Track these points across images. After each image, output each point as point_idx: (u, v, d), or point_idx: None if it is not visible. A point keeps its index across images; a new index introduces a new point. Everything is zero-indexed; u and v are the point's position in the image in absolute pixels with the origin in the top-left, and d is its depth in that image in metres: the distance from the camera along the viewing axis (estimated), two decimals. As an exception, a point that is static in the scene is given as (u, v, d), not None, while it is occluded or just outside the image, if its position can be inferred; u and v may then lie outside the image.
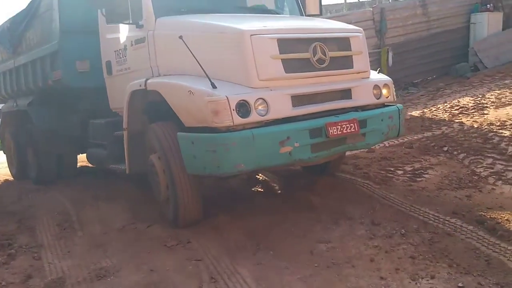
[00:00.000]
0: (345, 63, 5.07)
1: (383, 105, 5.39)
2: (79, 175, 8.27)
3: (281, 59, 4.55)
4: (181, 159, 4.58)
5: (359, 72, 5.20)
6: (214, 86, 4.25)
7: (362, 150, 7.33)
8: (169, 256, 4.47)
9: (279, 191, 6.29)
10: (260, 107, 4.34)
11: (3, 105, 9.38)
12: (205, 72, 4.30)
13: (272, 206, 5.49)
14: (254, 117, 4.29)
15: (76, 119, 7.11)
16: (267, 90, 4.46)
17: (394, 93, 5.50)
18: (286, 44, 4.59)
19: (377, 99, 5.25)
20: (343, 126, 4.68)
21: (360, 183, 6.13)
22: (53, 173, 7.97)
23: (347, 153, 6.79)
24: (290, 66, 4.60)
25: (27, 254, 4.92)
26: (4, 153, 9.64)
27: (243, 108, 4.25)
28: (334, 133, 4.61)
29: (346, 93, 5.04)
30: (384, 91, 5.32)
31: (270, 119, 4.40)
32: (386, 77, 5.57)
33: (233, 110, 4.17)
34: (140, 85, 5.01)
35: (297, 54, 4.67)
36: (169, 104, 4.65)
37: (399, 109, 5.34)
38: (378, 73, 5.64)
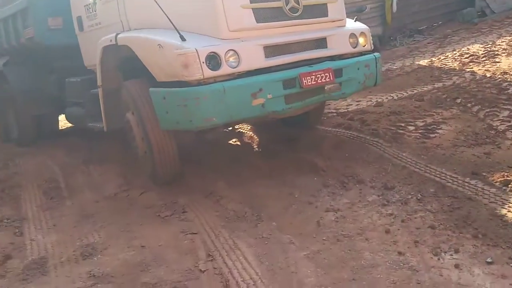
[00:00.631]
0: (320, 11, 4.97)
1: (361, 54, 5.28)
2: (69, 137, 7.93)
3: (252, 8, 4.44)
4: (155, 115, 4.53)
5: (334, 21, 5.12)
6: (183, 39, 4.17)
7: (369, 104, 7.18)
8: (162, 228, 4.19)
9: (280, 153, 5.73)
10: (231, 59, 4.25)
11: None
12: (173, 24, 4.21)
13: (273, 169, 5.18)
14: (225, 69, 4.21)
15: (53, 78, 7.02)
16: (238, 41, 4.36)
17: (371, 42, 5.43)
18: None
19: (354, 47, 5.18)
20: (318, 76, 4.59)
21: (368, 141, 5.70)
22: (33, 134, 7.84)
23: (353, 107, 6.69)
24: (262, 15, 4.51)
25: (8, 230, 4.55)
26: None
27: (213, 60, 4.16)
28: (308, 83, 4.52)
29: (321, 42, 4.95)
30: (361, 40, 5.24)
31: (242, 71, 4.33)
32: (362, 26, 5.46)
33: (203, 62, 4.09)
34: (111, 40, 4.92)
35: (269, 3, 4.56)
36: (140, 59, 4.58)
37: (375, 58, 5.27)
38: (355, 21, 5.52)
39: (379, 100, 7.32)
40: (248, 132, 6.85)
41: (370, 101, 7.42)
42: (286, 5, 4.54)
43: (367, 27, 5.42)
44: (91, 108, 5.80)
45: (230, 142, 6.65)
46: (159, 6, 4.26)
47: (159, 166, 4.76)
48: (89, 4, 5.54)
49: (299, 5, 4.62)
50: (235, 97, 4.14)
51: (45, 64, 7.14)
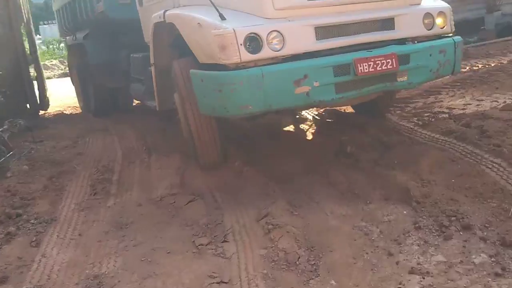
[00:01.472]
0: None
1: (438, 37, 4.64)
2: (147, 116, 7.71)
3: None
4: (195, 98, 4.28)
5: None
6: (222, 18, 3.83)
7: (494, 106, 5.85)
8: (190, 265, 3.29)
9: (363, 163, 4.68)
10: (274, 41, 3.84)
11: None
12: (211, 1, 3.89)
13: (351, 187, 4.18)
14: (266, 52, 3.82)
15: (124, 53, 7.16)
16: (284, 21, 3.93)
17: (452, 23, 4.70)
18: None
19: (429, 29, 4.53)
20: (377, 62, 4.04)
21: (487, 162, 4.20)
22: (108, 107, 8.56)
23: (472, 108, 5.72)
24: None
25: (27, 235, 3.92)
26: (73, 85, 10.11)
27: (253, 42, 3.78)
28: (365, 71, 4.00)
29: (387, 23, 4.36)
30: (439, 20, 4.57)
31: (287, 55, 3.91)
32: (442, 4, 4.75)
33: (241, 44, 3.72)
34: (160, 17, 4.71)
35: None
36: (184, 37, 4.32)
37: (455, 42, 4.58)
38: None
39: (509, 101, 5.87)
40: (326, 124, 6.24)
41: (496, 101, 6.08)
42: None
43: (448, 5, 4.70)
44: (149, 85, 5.69)
45: (302, 137, 5.99)
46: None
47: (199, 151, 4.58)
48: None
49: None
50: (275, 83, 3.76)
51: (117, 39, 7.37)
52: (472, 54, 9.95)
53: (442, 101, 6.44)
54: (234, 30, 3.68)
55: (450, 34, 4.70)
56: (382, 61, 4.03)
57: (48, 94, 9.30)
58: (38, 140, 6.79)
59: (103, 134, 7.04)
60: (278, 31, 3.80)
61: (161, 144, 6.00)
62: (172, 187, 4.61)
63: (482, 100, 6.29)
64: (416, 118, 5.74)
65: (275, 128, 6.13)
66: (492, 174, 3.97)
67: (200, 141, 4.53)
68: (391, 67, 4.06)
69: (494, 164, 4.12)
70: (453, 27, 4.70)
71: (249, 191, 4.28)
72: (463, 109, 5.97)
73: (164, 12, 4.58)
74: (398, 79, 4.28)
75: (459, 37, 4.71)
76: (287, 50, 3.85)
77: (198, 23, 3.97)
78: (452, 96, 6.76)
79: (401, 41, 4.42)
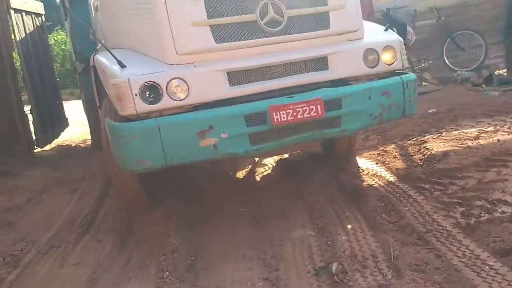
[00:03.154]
0: (316, 22, 3.95)
1: (395, 73, 4.20)
2: None
3: (210, 25, 3.65)
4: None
5: (341, 34, 4.05)
6: (122, 65, 3.59)
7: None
8: None
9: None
10: (176, 90, 3.57)
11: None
12: (106, 48, 3.79)
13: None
14: (166, 102, 3.54)
15: None
16: (189, 67, 3.66)
17: (404, 57, 4.24)
18: (217, 3, 3.66)
19: (372, 67, 4.07)
20: (298, 109, 3.66)
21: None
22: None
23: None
24: (224, 33, 3.69)
25: None
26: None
27: (153, 91, 3.53)
28: (282, 120, 3.64)
29: (320, 63, 3.96)
30: (386, 56, 4.11)
31: (191, 104, 3.63)
32: (390, 37, 4.29)
33: (136, 95, 3.47)
34: (92, 61, 4.56)
35: (235, 17, 3.68)
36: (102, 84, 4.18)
37: (403, 81, 4.07)
38: (385, 30, 4.40)
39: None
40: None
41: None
42: (262, 18, 3.63)
43: (399, 38, 4.24)
44: None
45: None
46: (91, 34, 4.28)
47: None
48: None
49: (282, 17, 3.69)
50: (175, 136, 3.47)
51: None
52: None
53: (507, 180, 4.21)
54: (128, 79, 3.43)
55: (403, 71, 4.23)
56: (304, 108, 3.63)
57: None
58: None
59: (69, 189, 6.13)
60: (181, 78, 3.52)
61: (113, 213, 5.08)
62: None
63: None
64: (461, 211, 3.83)
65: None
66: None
67: (120, 191, 4.39)
68: (315, 114, 3.65)
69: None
70: (406, 62, 4.23)
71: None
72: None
73: (94, 56, 4.42)
74: (328, 127, 3.86)
75: (412, 74, 4.23)
76: (193, 99, 3.56)
77: (103, 70, 3.79)
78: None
79: (344, 82, 3.99)
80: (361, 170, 5.15)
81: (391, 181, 4.75)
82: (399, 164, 5.14)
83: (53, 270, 3.88)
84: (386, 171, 5.05)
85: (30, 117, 8.12)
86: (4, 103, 7.59)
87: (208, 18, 3.58)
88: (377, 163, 5.34)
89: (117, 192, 4.63)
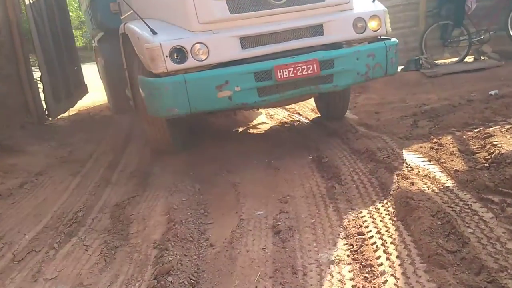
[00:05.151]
0: None
1: (380, 39, 5.10)
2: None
3: None
4: None
5: (335, 5, 4.95)
6: (154, 32, 4.47)
7: None
8: None
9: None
10: (199, 52, 4.45)
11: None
12: (139, 17, 4.61)
13: None
14: (191, 62, 4.42)
15: None
16: (209, 34, 4.54)
17: (388, 25, 5.10)
18: None
19: (360, 33, 4.97)
20: (297, 68, 4.56)
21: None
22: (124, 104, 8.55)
23: None
24: (237, 5, 4.58)
25: None
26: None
27: (180, 53, 4.40)
28: (284, 76, 4.54)
29: (317, 30, 4.86)
30: (372, 24, 5.00)
31: (213, 63, 4.51)
32: (376, 7, 5.15)
33: (167, 56, 4.35)
34: (121, 29, 5.45)
35: None
36: (134, 48, 4.95)
37: (386, 45, 4.99)
38: (373, 1, 5.25)
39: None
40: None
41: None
42: None
43: (384, 8, 5.11)
44: None
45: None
46: (126, 5, 4.85)
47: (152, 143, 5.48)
48: None
49: None
50: (198, 89, 4.37)
51: None
52: None
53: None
54: (160, 44, 4.31)
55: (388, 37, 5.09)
56: (303, 67, 4.54)
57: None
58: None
59: (71, 171, 5.74)
60: (203, 43, 4.40)
61: (110, 207, 4.59)
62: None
63: None
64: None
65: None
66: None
67: (151, 134, 5.36)
68: (312, 72, 4.57)
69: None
70: (389, 29, 5.10)
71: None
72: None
73: (124, 25, 5.30)
74: (322, 82, 4.76)
75: (395, 39, 5.12)
76: (212, 60, 4.45)
77: (137, 36, 4.64)
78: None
79: (336, 46, 4.88)
80: (409, 168, 4.30)
81: (449, 187, 3.76)
82: (459, 164, 4.12)
83: (24, 285, 3.34)
84: (442, 172, 4.09)
85: (40, 85, 7.94)
86: (12, 70, 7.37)
87: None
88: (429, 161, 4.38)
89: (149, 137, 5.54)
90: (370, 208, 3.71)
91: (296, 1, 4.70)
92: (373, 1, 5.23)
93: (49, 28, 8.50)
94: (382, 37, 5.11)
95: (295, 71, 4.53)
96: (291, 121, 6.97)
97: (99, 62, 9.41)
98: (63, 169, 5.81)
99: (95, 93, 10.48)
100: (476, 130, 4.76)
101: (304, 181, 4.49)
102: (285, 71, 4.50)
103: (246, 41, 4.57)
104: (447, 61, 9.40)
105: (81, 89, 10.09)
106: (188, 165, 5.34)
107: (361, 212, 3.66)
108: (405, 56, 8.70)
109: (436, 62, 9.01)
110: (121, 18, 6.34)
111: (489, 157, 4.03)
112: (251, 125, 6.98)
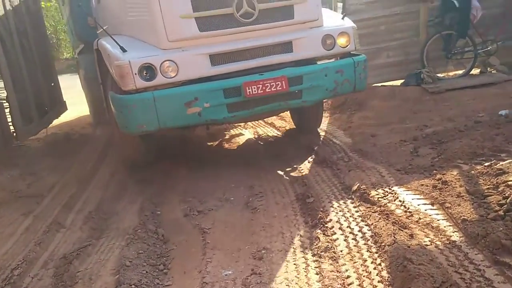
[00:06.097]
0: (283, 14, 5.00)
1: (349, 54, 5.27)
2: None
3: (195, 17, 4.67)
4: None
5: (304, 22, 5.08)
6: (123, 50, 4.64)
7: None
8: None
9: None
10: (167, 69, 4.61)
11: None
12: (110, 35, 4.78)
13: None
14: (160, 79, 4.59)
15: None
16: (178, 51, 4.69)
17: (357, 41, 5.26)
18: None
19: (329, 50, 5.13)
20: (266, 84, 4.72)
21: None
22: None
23: None
24: (206, 24, 4.73)
25: None
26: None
27: (149, 71, 4.57)
28: (253, 93, 4.70)
29: (286, 47, 5.03)
30: (341, 40, 5.17)
31: (181, 81, 4.67)
32: (345, 24, 5.31)
33: (136, 74, 4.51)
34: (95, 45, 5.60)
35: (215, 10, 4.72)
36: (106, 64, 5.15)
37: (354, 62, 5.15)
38: (342, 19, 5.41)
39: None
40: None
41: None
42: (238, 11, 4.68)
43: (353, 25, 5.26)
44: None
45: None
46: (97, 23, 5.16)
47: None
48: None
49: (254, 10, 4.73)
50: (167, 105, 4.53)
51: None
52: None
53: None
54: (129, 61, 4.48)
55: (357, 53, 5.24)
56: (272, 83, 4.70)
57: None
58: None
59: (23, 210, 4.96)
60: (172, 60, 4.57)
61: (56, 261, 3.87)
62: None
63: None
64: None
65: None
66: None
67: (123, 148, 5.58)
68: (280, 88, 4.73)
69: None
70: (358, 45, 5.23)
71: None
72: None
73: (97, 40, 5.46)
74: (291, 98, 4.90)
75: (363, 55, 5.25)
76: (181, 77, 4.62)
77: (108, 53, 4.81)
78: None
79: (310, 62, 5.05)
80: (408, 214, 3.66)
81: (456, 243, 3.13)
82: (467, 210, 3.49)
83: None
84: (447, 221, 3.45)
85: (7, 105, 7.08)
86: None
87: (193, 12, 4.64)
88: (432, 204, 3.75)
89: (121, 150, 5.72)
90: (360, 270, 3.09)
91: (265, 18, 4.83)
92: (342, 18, 5.38)
93: (19, 43, 7.69)
94: (351, 53, 5.25)
95: (264, 88, 4.68)
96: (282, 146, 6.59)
97: (80, 73, 9.33)
98: (16, 207, 5.09)
99: (84, 106, 9.49)
100: (486, 164, 4.14)
101: (284, 228, 3.94)
102: (254, 88, 4.66)
103: (215, 58, 4.73)
104: (451, 73, 8.98)
105: (59, 107, 9.41)
106: (157, 201, 4.93)
107: (348, 277, 3.05)
108: (405, 70, 8.48)
109: (438, 75, 8.54)
110: (97, 32, 6.38)
111: (503, 201, 3.39)
112: (235, 147, 6.78)
